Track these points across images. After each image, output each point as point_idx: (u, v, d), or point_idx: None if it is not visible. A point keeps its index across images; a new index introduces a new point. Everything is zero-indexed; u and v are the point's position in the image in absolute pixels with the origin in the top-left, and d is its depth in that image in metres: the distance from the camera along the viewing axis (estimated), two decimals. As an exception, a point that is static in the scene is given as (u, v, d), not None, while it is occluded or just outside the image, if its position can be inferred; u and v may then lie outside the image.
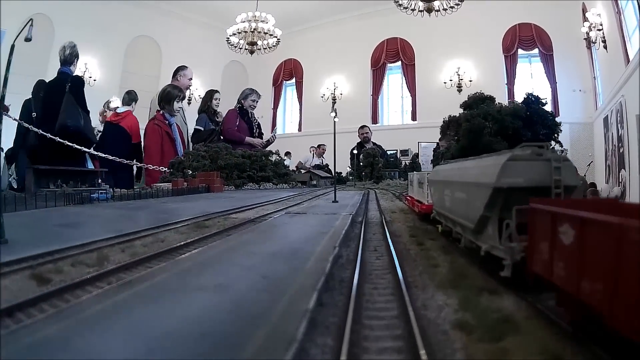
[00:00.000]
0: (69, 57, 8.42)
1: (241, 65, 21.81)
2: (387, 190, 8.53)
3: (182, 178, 7.64)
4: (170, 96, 9.97)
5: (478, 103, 5.03)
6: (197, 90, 18.00)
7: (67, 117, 7.30)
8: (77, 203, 5.00)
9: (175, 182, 7.02)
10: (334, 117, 4.36)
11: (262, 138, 12.78)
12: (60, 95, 7.52)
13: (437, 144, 12.52)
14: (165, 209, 5.06)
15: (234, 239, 3.65)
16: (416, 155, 12.39)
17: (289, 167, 15.25)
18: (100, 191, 5.57)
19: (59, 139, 7.42)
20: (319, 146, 17.23)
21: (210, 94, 13.65)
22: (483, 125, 4.57)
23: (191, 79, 14.04)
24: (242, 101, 13.03)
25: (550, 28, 16.54)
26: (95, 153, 8.44)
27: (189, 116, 16.39)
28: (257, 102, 12.77)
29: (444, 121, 5.63)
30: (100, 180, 7.16)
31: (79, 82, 7.94)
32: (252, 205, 5.24)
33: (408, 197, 4.39)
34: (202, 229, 3.98)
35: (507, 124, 4.64)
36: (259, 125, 12.95)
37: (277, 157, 10.33)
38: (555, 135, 5.59)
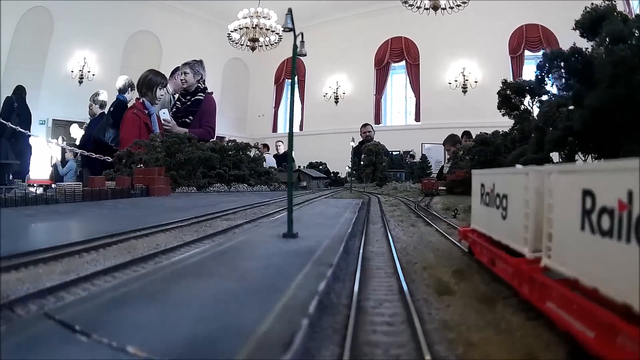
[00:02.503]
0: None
1: (242, 62, 21.56)
2: (394, 196, 5.95)
3: (102, 176, 6.03)
4: (151, 83, 9.57)
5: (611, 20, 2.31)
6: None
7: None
8: None
9: (92, 181, 5.15)
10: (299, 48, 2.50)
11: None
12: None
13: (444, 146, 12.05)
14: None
15: None
16: (425, 156, 11.77)
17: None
18: None
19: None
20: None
21: None
22: None
23: None
24: None
25: (557, 29, 16.18)
26: (84, 152, 8.40)
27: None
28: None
29: (543, 57, 2.52)
30: (10, 177, 5.51)
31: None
32: (131, 234, 2.47)
33: (485, 245, 1.64)
34: None
35: None
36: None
37: (257, 153, 8.96)
38: None
